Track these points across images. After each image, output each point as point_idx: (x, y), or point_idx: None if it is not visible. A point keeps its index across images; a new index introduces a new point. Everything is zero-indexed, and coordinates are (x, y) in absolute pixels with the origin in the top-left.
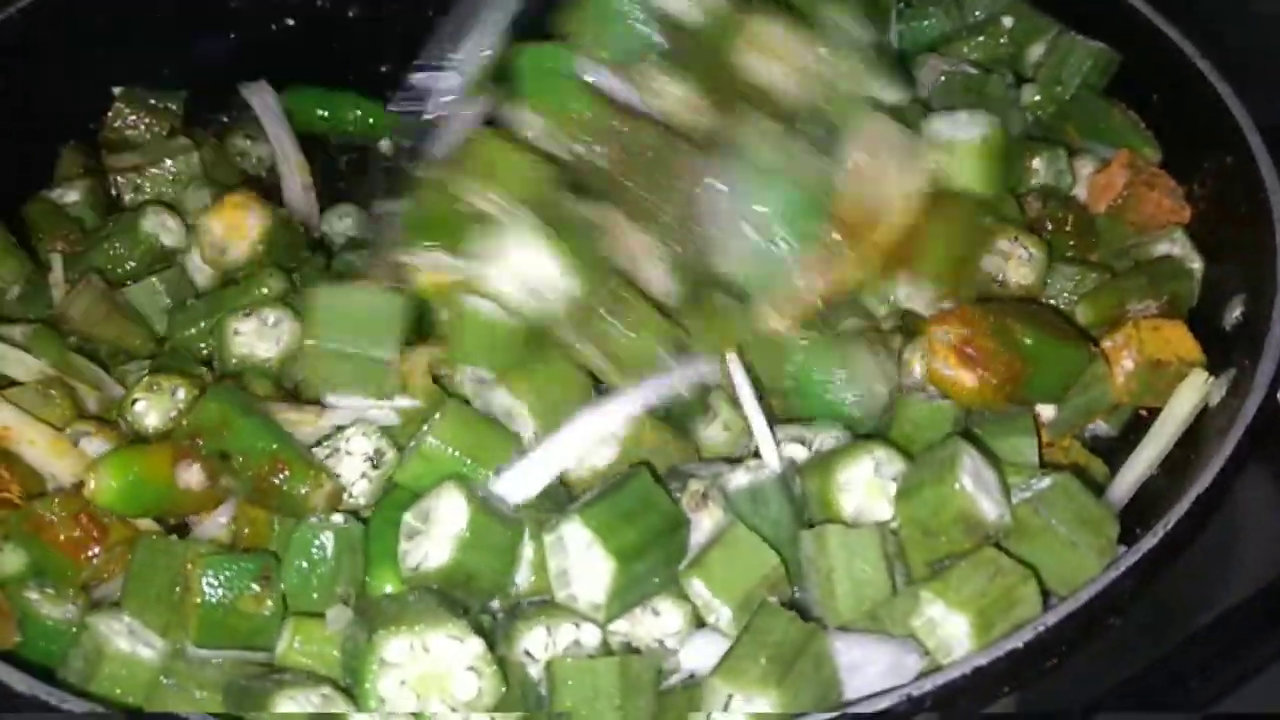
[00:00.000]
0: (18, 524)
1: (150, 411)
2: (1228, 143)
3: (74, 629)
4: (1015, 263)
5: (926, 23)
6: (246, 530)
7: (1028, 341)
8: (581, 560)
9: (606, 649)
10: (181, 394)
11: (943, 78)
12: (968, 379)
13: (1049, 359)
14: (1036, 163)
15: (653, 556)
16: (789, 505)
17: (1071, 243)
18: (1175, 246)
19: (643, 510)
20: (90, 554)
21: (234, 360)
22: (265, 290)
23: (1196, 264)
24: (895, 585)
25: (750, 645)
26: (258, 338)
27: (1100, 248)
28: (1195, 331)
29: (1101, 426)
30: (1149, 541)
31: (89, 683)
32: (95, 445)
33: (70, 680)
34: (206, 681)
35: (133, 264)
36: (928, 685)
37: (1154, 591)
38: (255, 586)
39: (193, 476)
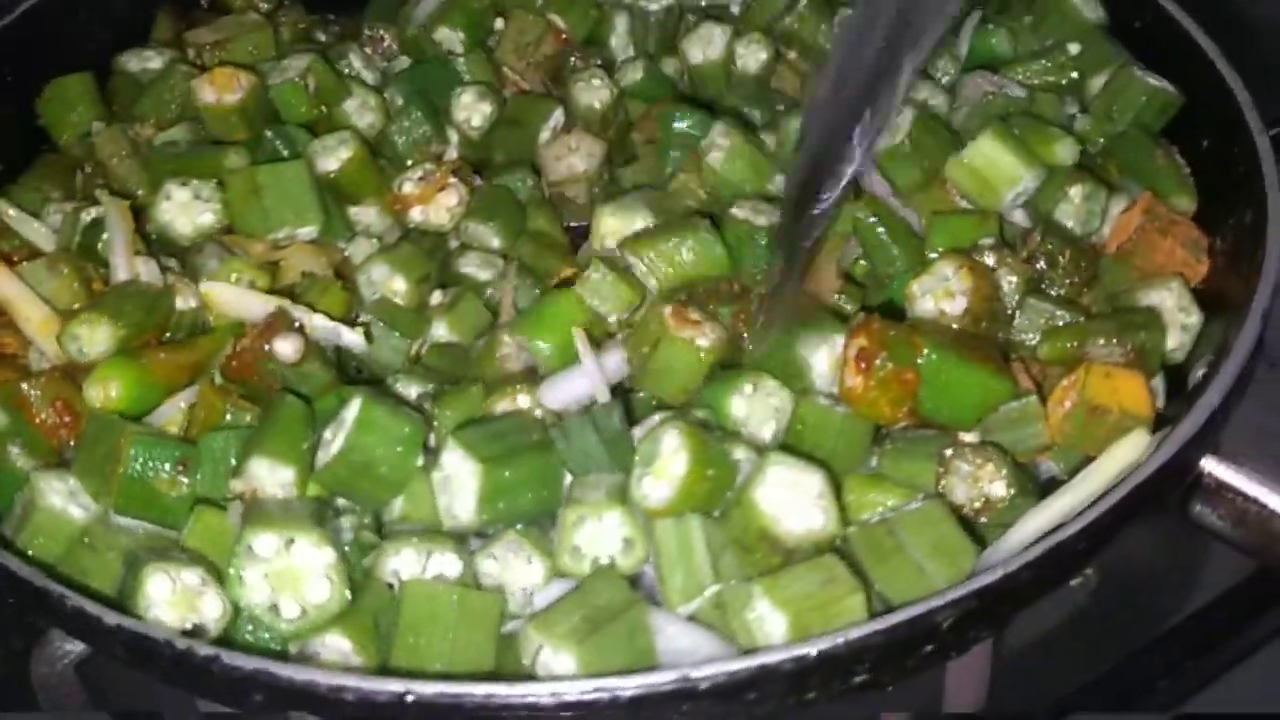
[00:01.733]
0: (3, 391)
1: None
2: (1252, 200)
3: None
4: (942, 293)
5: (994, 39)
6: (203, 416)
7: (927, 359)
8: (456, 476)
9: (471, 583)
10: None
11: (987, 97)
12: (857, 387)
13: (952, 382)
14: (1074, 191)
15: (523, 468)
16: (598, 438)
17: (1067, 280)
18: (1170, 297)
19: (514, 431)
20: (61, 435)
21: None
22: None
23: (1194, 318)
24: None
25: (571, 602)
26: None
27: (1097, 290)
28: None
29: (1053, 467)
30: (985, 579)
31: (19, 531)
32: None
33: (3, 529)
34: (117, 546)
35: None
36: (707, 670)
37: (1120, 596)
38: (170, 468)
39: (290, 345)
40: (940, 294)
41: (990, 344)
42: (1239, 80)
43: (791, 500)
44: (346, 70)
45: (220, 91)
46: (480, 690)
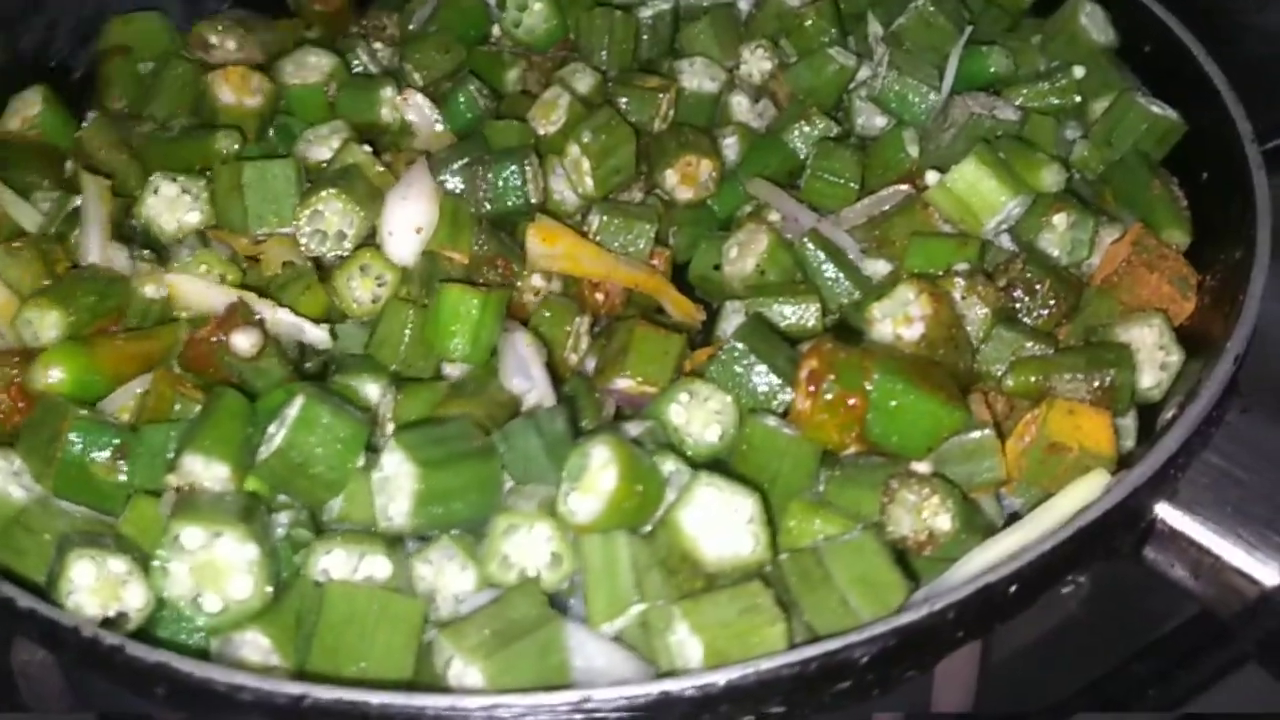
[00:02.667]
0: None
1: None
2: (1243, 237)
3: None
4: (901, 318)
5: (989, 60)
6: (151, 404)
7: (876, 384)
8: (395, 478)
9: (404, 587)
10: None
11: (974, 118)
12: (805, 409)
13: (901, 409)
14: (1058, 219)
15: (462, 474)
16: (541, 443)
17: (1044, 310)
18: (1150, 334)
19: (458, 436)
20: (15, 420)
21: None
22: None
23: (1174, 357)
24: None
25: (485, 614)
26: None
27: (1076, 322)
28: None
29: (1014, 503)
30: (905, 617)
31: None
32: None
33: None
34: (52, 529)
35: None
36: (608, 694)
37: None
38: (107, 454)
39: (247, 340)
40: (899, 319)
41: (944, 372)
42: (1242, 110)
43: (719, 524)
44: (356, 65)
45: (238, 93)
46: (377, 699)
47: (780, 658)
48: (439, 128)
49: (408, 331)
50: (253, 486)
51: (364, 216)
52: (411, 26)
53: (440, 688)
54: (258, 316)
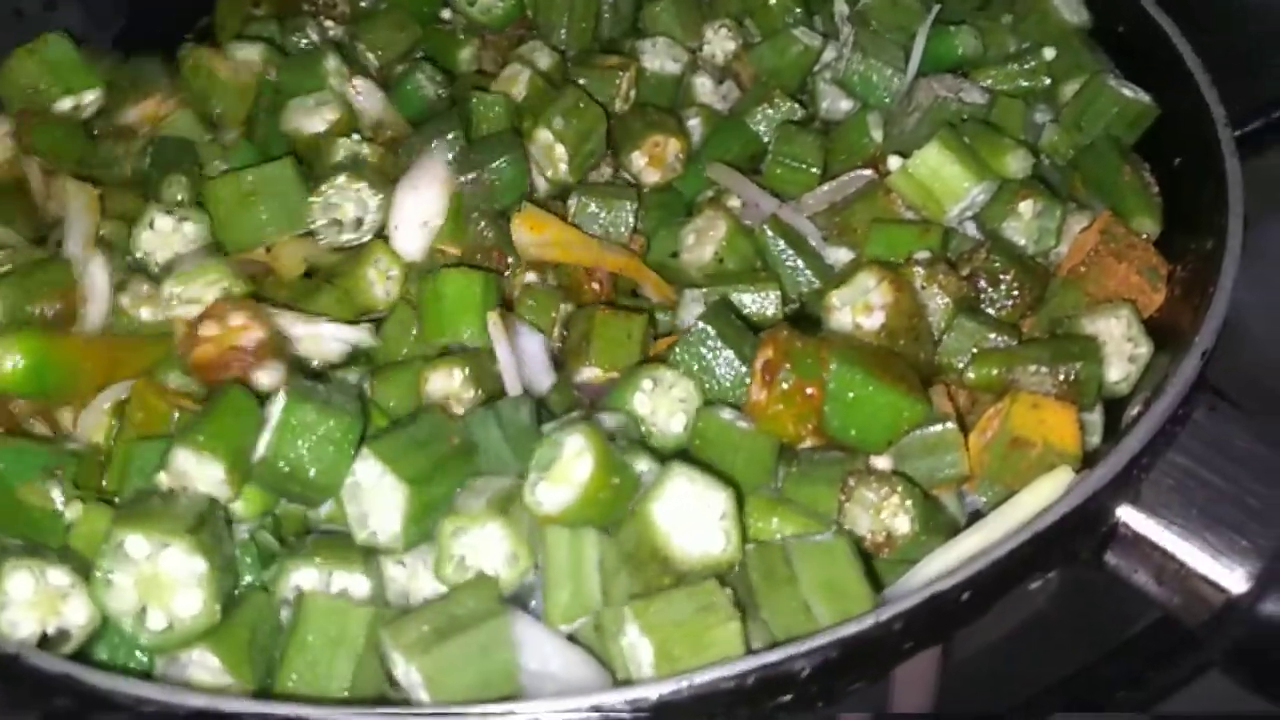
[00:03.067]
0: None
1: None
2: (1214, 227)
3: None
4: (861, 306)
5: (956, 41)
6: (140, 418)
7: (834, 374)
8: (373, 490)
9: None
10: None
11: (939, 101)
12: (761, 400)
13: (860, 400)
14: (1024, 206)
15: (448, 481)
16: (502, 434)
17: (1008, 301)
18: (1118, 325)
19: (433, 437)
20: None
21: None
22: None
23: (1142, 349)
24: (617, 601)
25: (430, 610)
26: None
27: (1041, 313)
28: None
29: (977, 501)
30: (850, 627)
31: None
32: None
33: None
34: None
35: None
36: (536, 708)
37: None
38: (39, 478)
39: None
40: (859, 307)
41: (905, 363)
42: (1216, 95)
43: (692, 519)
44: (304, 42)
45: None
46: (282, 710)
47: (716, 670)
48: (389, 114)
49: (414, 330)
50: (252, 494)
51: (380, 198)
52: (363, 3)
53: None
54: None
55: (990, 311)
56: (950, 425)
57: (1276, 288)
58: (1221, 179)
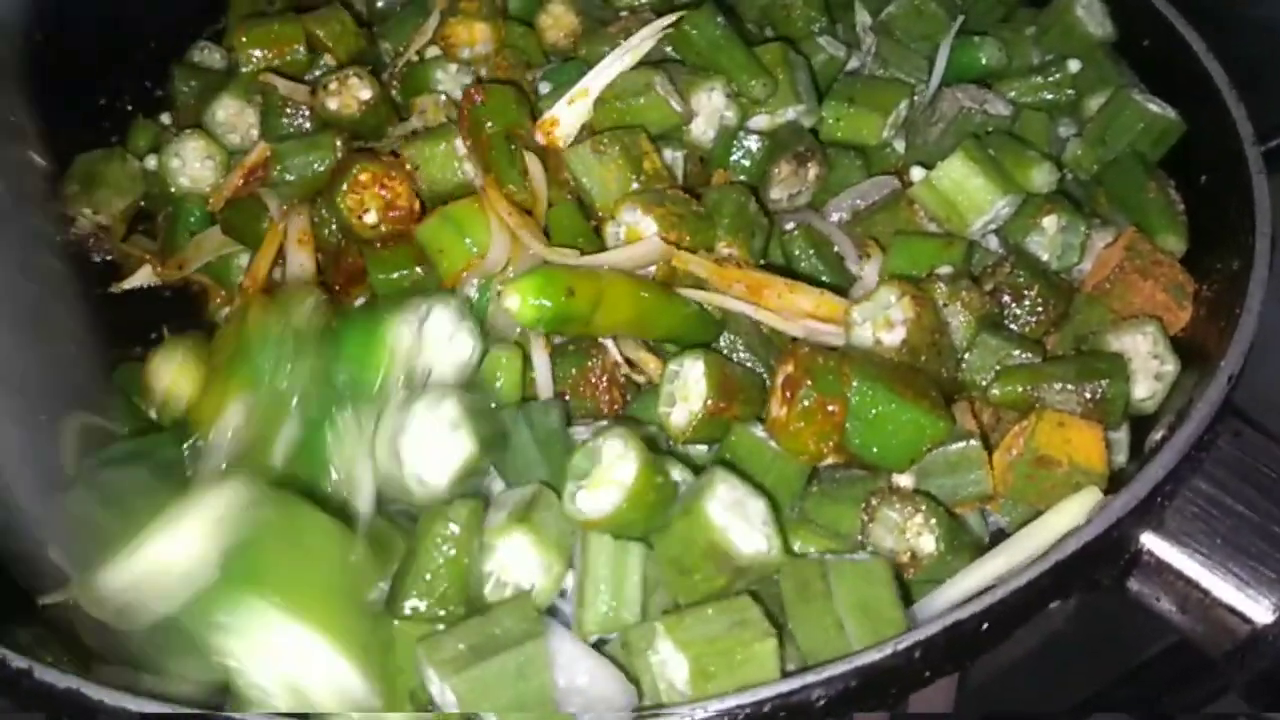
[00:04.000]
0: None
1: None
2: (1241, 246)
3: None
4: (882, 322)
5: (980, 52)
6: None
7: (856, 391)
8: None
9: None
10: None
11: (963, 113)
12: (781, 417)
13: (882, 418)
14: (1048, 221)
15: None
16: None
17: (1032, 317)
18: (1144, 342)
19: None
20: None
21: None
22: None
23: (1169, 367)
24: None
25: (468, 627)
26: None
27: (1066, 330)
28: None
29: (1001, 520)
30: (868, 656)
31: None
32: None
33: None
34: None
35: None
36: None
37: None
38: None
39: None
40: (880, 322)
41: (928, 379)
42: (1244, 111)
43: (740, 518)
44: None
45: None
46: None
47: (730, 699)
48: None
49: None
50: None
51: None
52: (380, 4)
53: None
54: None
55: (1014, 327)
56: (974, 443)
57: None
58: (1249, 198)
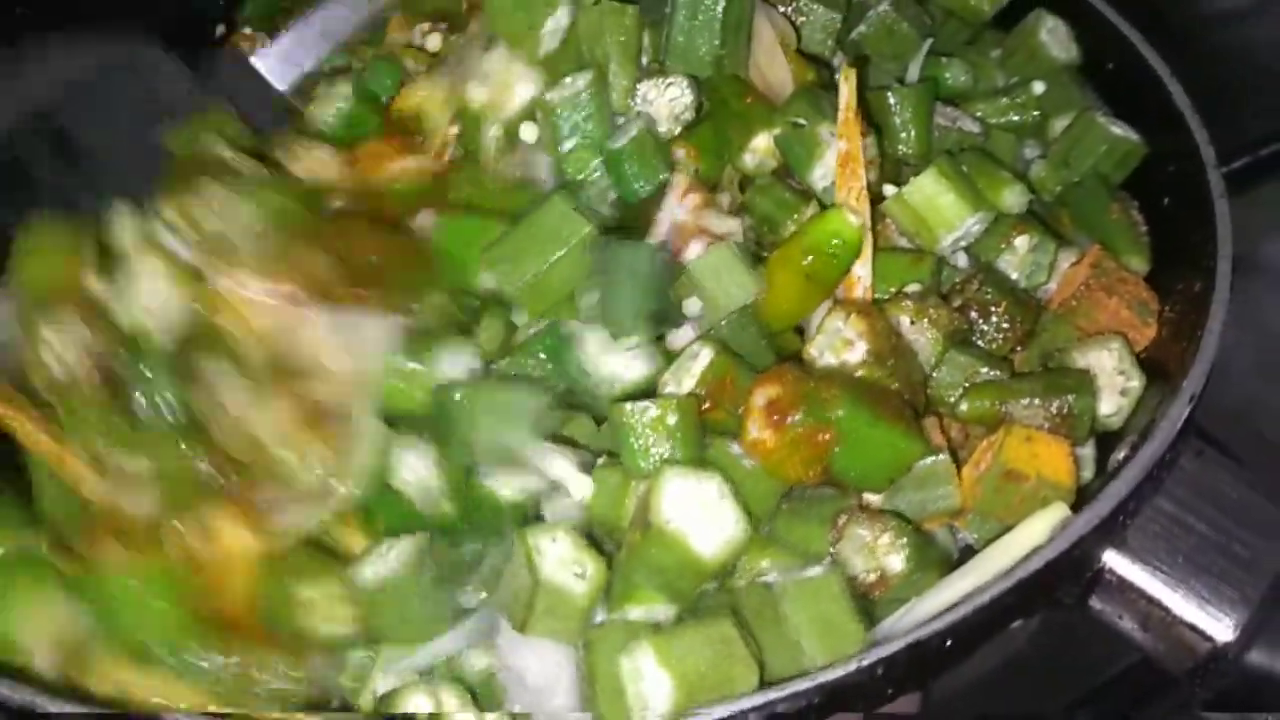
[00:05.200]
0: None
1: None
2: (1202, 268)
3: None
4: (840, 345)
5: (948, 72)
6: None
7: (840, 414)
8: None
9: None
10: None
11: (939, 131)
12: (766, 441)
13: (865, 440)
14: (1020, 241)
15: None
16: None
17: (1000, 335)
18: (1109, 358)
19: None
20: None
21: None
22: None
23: (1134, 383)
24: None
25: None
26: None
27: (1033, 347)
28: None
29: (969, 536)
30: (832, 672)
31: None
32: None
33: None
34: None
35: None
36: None
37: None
38: None
39: None
40: (838, 346)
41: (902, 398)
42: (1206, 135)
43: (699, 511)
44: None
45: None
46: None
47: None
48: None
49: None
50: None
51: None
52: None
53: None
54: None
55: (981, 344)
56: (943, 457)
57: (1264, 326)
58: (1211, 220)
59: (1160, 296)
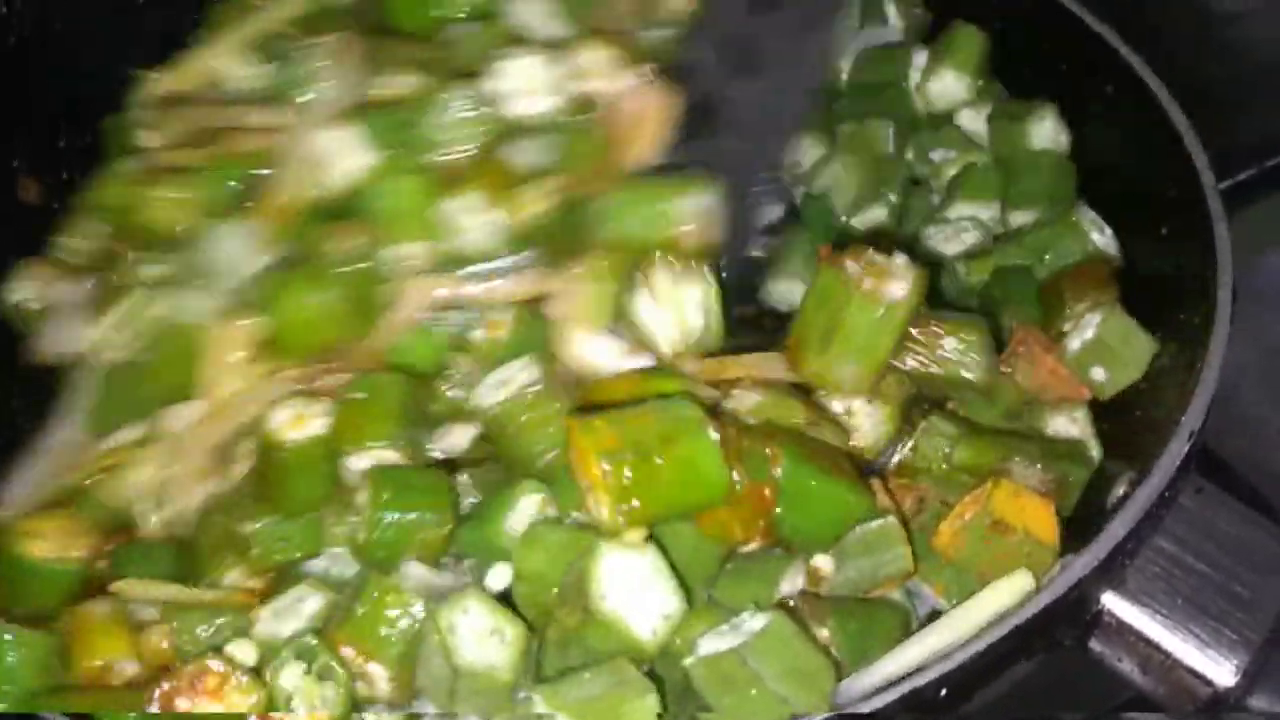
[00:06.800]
0: None
1: None
2: (1203, 299)
3: None
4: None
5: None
6: None
7: (781, 472)
8: None
9: None
10: None
11: None
12: None
13: (808, 497)
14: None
15: None
16: None
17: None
18: (1074, 427)
19: None
20: None
21: None
22: None
23: (1094, 453)
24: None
25: None
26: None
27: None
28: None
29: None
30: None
31: None
32: None
33: None
34: None
35: None
36: None
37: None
38: None
39: None
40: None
41: (844, 455)
42: (1205, 160)
43: (635, 589)
44: None
45: None
46: None
47: None
48: None
49: None
50: None
51: None
52: None
53: None
54: None
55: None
56: (891, 519)
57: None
58: (1211, 247)
59: (1156, 331)
